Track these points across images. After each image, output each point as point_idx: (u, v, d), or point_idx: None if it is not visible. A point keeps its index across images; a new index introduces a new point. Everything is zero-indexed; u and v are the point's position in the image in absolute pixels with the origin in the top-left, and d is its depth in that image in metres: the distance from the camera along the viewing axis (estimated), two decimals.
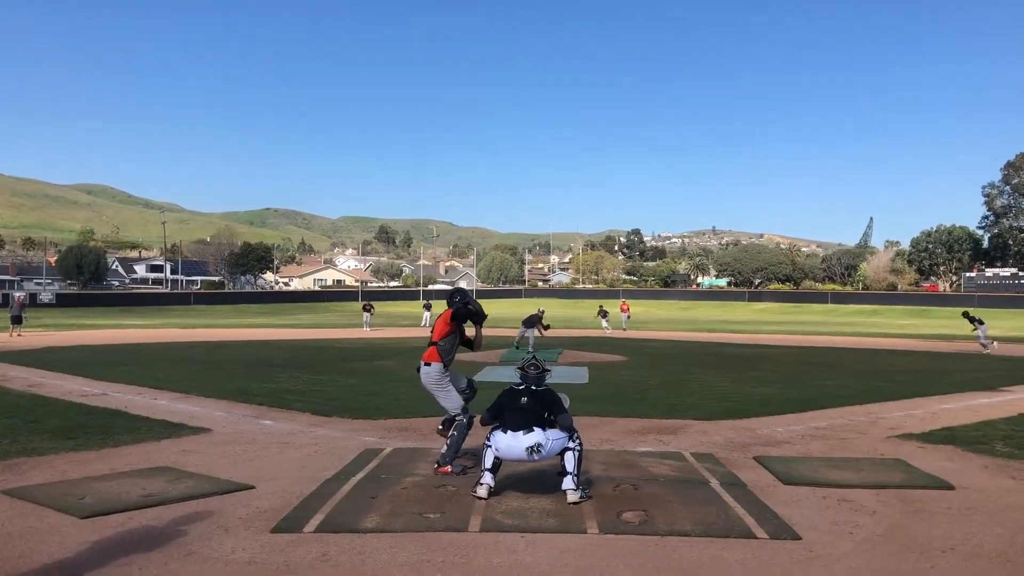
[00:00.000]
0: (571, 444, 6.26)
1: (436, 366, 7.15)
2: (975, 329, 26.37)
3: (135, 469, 7.11)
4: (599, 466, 7.40)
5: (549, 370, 6.97)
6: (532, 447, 6.15)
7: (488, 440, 6.36)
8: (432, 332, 7.33)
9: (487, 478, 6.25)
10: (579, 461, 6.26)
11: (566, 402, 6.60)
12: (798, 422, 10.31)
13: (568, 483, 6.14)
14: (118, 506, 5.83)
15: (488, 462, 6.29)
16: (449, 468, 6.99)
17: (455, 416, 7.14)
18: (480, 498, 6.12)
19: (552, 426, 6.36)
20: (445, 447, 7.13)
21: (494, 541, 5.16)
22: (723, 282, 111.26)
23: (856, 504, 6.13)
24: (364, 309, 35.70)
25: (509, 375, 8.72)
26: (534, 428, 6.22)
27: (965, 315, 27.56)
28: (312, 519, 5.56)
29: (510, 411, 6.40)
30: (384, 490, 6.41)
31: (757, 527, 5.45)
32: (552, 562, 4.78)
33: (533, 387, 6.56)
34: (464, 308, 7.27)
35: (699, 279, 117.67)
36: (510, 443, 6.22)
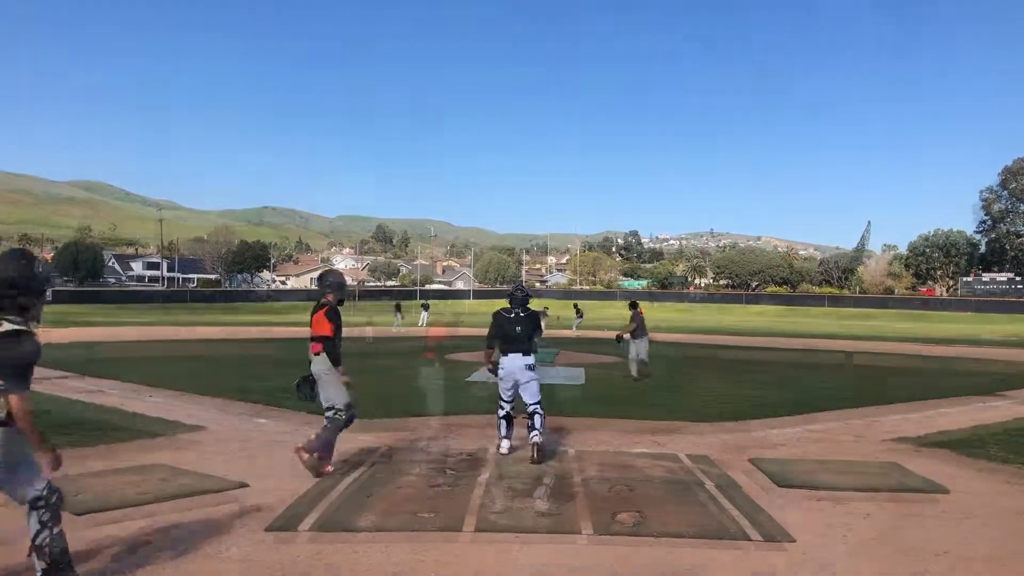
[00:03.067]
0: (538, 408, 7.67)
1: (322, 357, 6.91)
2: (576, 318, 35.60)
3: (130, 466, 7.10)
4: (594, 467, 7.39)
5: (531, 295, 8.37)
6: (531, 365, 7.76)
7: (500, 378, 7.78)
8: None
9: (505, 444, 7.80)
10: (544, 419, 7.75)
11: (543, 320, 7.92)
12: (793, 425, 10.32)
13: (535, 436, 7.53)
14: (113, 503, 5.83)
15: (504, 428, 7.84)
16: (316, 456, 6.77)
17: (338, 409, 6.92)
18: (503, 454, 7.68)
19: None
20: (315, 435, 6.88)
21: (488, 541, 5.16)
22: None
23: (850, 507, 6.14)
24: (423, 308, 38.18)
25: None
26: (530, 353, 7.82)
27: (575, 307, 36.89)
28: (307, 518, 5.56)
29: (509, 338, 7.77)
30: (379, 489, 6.41)
31: (751, 529, 5.46)
32: (546, 563, 4.78)
33: (521, 312, 7.87)
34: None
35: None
36: (516, 363, 7.71)
